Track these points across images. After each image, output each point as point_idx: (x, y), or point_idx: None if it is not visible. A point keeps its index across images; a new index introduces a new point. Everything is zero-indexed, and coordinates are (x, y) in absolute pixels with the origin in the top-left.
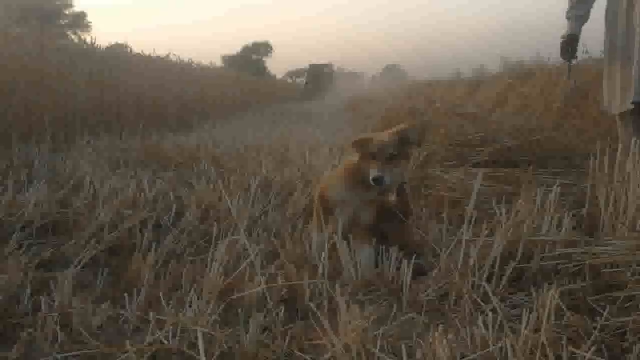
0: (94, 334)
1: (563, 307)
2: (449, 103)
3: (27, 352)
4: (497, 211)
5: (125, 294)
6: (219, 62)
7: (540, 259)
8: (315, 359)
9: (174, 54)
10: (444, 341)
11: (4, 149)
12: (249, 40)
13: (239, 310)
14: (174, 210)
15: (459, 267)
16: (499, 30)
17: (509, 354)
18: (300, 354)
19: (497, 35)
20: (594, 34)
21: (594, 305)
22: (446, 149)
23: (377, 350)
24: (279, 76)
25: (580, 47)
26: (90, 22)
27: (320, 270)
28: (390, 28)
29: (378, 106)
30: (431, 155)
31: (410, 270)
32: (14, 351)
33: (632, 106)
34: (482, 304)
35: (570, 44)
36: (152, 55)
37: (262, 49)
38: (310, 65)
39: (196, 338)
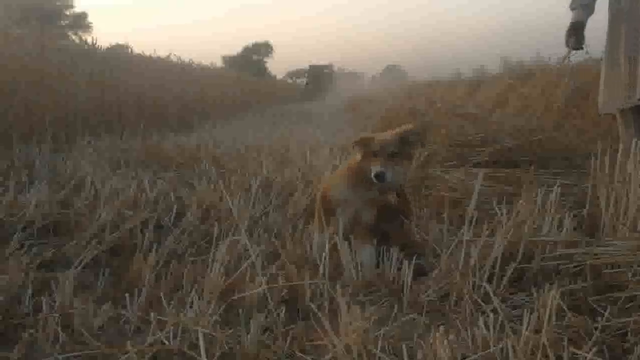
0: (95, 334)
1: (564, 308)
2: (449, 103)
3: (29, 352)
4: (497, 211)
5: (127, 295)
6: (219, 63)
7: (541, 260)
8: None
9: (175, 55)
10: (445, 342)
11: (5, 149)
12: (250, 40)
13: (240, 310)
14: (174, 210)
15: (460, 267)
16: (499, 30)
17: (510, 355)
18: (301, 354)
19: (497, 36)
20: (595, 34)
21: (595, 306)
22: (447, 149)
23: (378, 351)
24: (279, 77)
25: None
26: (91, 23)
27: (321, 270)
28: (390, 28)
29: (378, 106)
30: (432, 155)
31: (411, 271)
32: (15, 352)
33: (638, 102)
34: (483, 304)
35: (575, 31)
36: (152, 55)
37: (262, 49)
38: (310, 66)
39: (197, 338)
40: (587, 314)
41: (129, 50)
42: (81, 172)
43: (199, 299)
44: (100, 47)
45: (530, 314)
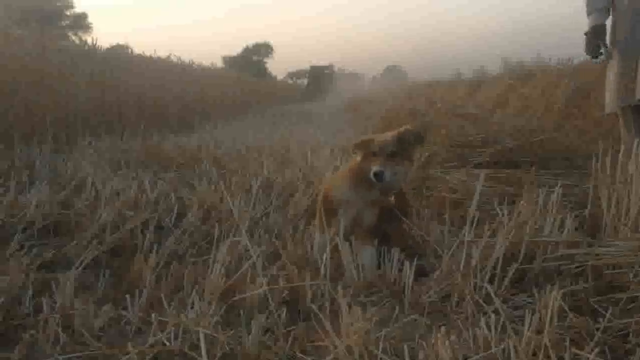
0: (95, 335)
1: (565, 309)
2: (449, 104)
3: (29, 353)
4: (499, 212)
5: (127, 296)
6: (219, 63)
7: (543, 260)
8: None
9: (175, 55)
10: (447, 342)
11: (6, 150)
12: (250, 41)
13: (241, 311)
14: (175, 211)
15: (461, 268)
16: (499, 30)
17: (512, 356)
18: (302, 355)
19: (497, 36)
20: None
21: (597, 307)
22: (447, 150)
23: (379, 352)
24: (279, 77)
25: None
26: (91, 23)
27: (322, 271)
28: (390, 28)
29: (378, 107)
30: (432, 156)
31: (413, 272)
32: (16, 352)
33: (638, 102)
34: (485, 305)
35: (596, 36)
36: (153, 56)
37: (262, 49)
38: (311, 67)
39: (198, 339)
40: (588, 315)
41: (129, 50)
42: (82, 172)
43: (199, 299)
44: (101, 48)
45: (532, 314)
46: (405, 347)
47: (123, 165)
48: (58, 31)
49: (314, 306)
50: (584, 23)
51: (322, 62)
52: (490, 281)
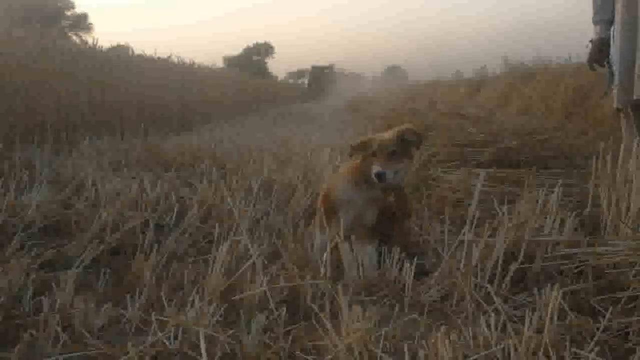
0: (95, 334)
1: (566, 308)
2: (450, 104)
3: (29, 353)
4: (499, 212)
5: (127, 295)
6: (220, 63)
7: (543, 260)
8: None
9: (175, 55)
10: (447, 342)
11: (6, 150)
12: (251, 41)
13: (241, 311)
14: (175, 211)
15: (462, 267)
16: (500, 30)
17: (512, 355)
18: (303, 354)
19: (498, 36)
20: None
21: (597, 306)
22: (448, 149)
23: (379, 351)
24: (280, 77)
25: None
26: (92, 24)
27: (322, 270)
28: (391, 28)
29: (379, 107)
30: (433, 155)
31: (413, 271)
32: (16, 352)
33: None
34: (485, 304)
35: (599, 49)
36: (153, 56)
37: (263, 50)
38: (312, 67)
39: (198, 339)
40: (589, 314)
41: (130, 50)
42: (82, 172)
43: (199, 299)
44: (101, 48)
45: (532, 314)
46: (405, 346)
47: (123, 165)
48: (59, 31)
49: (314, 305)
50: (587, 23)
51: (323, 62)
52: (491, 280)
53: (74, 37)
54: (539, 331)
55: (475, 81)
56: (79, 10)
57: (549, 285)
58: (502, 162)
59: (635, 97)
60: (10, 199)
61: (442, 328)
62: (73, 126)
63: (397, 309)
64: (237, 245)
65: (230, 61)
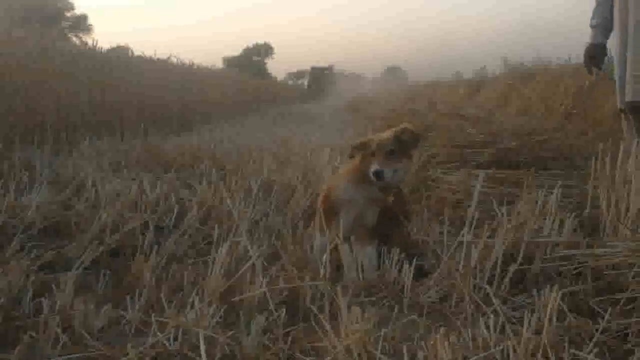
0: (95, 336)
1: (565, 309)
2: (450, 104)
3: (29, 354)
4: (498, 213)
5: (127, 296)
6: (220, 64)
7: (542, 261)
8: None
9: (175, 56)
10: (446, 343)
11: (6, 150)
12: (250, 41)
13: (241, 312)
14: (175, 212)
15: (461, 268)
16: (500, 31)
17: (511, 356)
18: (302, 356)
19: (498, 36)
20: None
21: (596, 307)
22: (447, 150)
23: (378, 352)
24: (280, 78)
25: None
26: (92, 25)
27: (321, 272)
28: (391, 29)
29: (379, 107)
30: (432, 156)
31: (412, 272)
32: (16, 353)
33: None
34: (484, 305)
35: (592, 53)
36: (153, 57)
37: (263, 50)
38: (312, 68)
39: (198, 340)
40: (588, 316)
41: (130, 51)
42: (82, 173)
43: (199, 300)
44: (101, 49)
45: (531, 315)
46: (404, 347)
47: (123, 166)
48: (58, 32)
49: (313, 307)
50: (587, 24)
51: (322, 63)
52: (490, 282)
53: (74, 39)
54: (538, 332)
55: (474, 82)
56: (78, 11)
57: (548, 286)
58: (501, 163)
59: (627, 100)
60: (10, 200)
61: (441, 329)
62: (73, 127)
63: (396, 310)
64: (236, 247)
65: (229, 62)
